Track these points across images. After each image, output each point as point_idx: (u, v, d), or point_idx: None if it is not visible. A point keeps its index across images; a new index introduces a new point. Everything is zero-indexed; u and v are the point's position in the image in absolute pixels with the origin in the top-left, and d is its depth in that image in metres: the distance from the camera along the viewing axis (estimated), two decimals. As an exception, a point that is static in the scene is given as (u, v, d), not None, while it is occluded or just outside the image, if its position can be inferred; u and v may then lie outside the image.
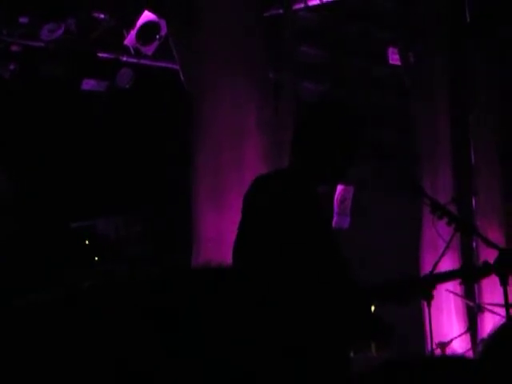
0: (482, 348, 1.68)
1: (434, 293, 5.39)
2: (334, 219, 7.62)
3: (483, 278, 3.78)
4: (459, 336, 7.12)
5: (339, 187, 7.89)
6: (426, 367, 1.49)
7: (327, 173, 3.04)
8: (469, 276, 3.38)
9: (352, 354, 4.05)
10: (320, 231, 2.96)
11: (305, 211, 2.92)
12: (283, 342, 1.21)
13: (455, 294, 6.90)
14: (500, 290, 3.71)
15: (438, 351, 6.27)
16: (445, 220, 3.64)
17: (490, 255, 3.66)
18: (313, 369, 2.65)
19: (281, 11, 7.60)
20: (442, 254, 4.53)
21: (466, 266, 3.49)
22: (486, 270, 3.48)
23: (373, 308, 3.14)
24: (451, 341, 6.64)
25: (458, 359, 1.37)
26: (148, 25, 7.30)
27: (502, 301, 4.05)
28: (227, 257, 3.03)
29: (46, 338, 1.14)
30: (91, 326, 1.14)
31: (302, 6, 7.70)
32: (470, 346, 7.43)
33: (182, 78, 6.60)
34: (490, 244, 3.73)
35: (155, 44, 7.41)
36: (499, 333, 1.62)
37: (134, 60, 7.73)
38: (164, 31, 7.25)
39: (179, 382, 1.10)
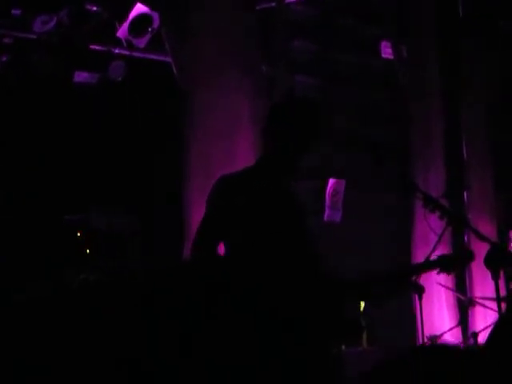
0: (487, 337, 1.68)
1: (425, 286, 5.43)
2: (326, 213, 7.62)
3: (460, 267, 3.75)
4: (450, 329, 7.14)
5: (331, 181, 7.87)
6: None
7: (287, 166, 3.05)
8: (444, 265, 3.37)
9: (343, 348, 4.06)
10: (286, 226, 2.97)
11: (268, 206, 2.94)
12: (263, 334, 1.22)
13: (446, 287, 6.92)
14: (491, 283, 3.72)
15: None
16: (437, 214, 3.64)
17: (481, 249, 3.67)
18: (292, 361, 2.65)
19: (273, 4, 7.59)
20: (434, 248, 4.54)
21: (442, 256, 3.47)
22: (460, 258, 3.49)
23: (362, 305, 3.13)
24: (442, 334, 6.66)
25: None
26: (140, 17, 7.29)
27: (493, 294, 4.06)
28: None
29: (40, 335, 1.15)
30: (82, 323, 1.14)
31: (295, -1, 7.71)
32: (461, 339, 7.47)
33: (175, 71, 6.59)
34: (482, 238, 3.72)
35: (147, 37, 7.39)
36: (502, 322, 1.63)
37: (127, 52, 7.71)
38: (156, 24, 7.24)
39: (177, 380, 1.10)
